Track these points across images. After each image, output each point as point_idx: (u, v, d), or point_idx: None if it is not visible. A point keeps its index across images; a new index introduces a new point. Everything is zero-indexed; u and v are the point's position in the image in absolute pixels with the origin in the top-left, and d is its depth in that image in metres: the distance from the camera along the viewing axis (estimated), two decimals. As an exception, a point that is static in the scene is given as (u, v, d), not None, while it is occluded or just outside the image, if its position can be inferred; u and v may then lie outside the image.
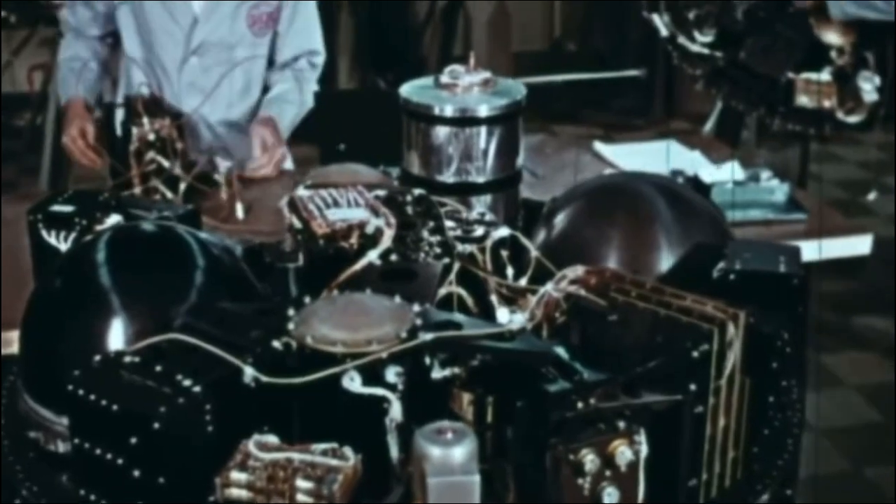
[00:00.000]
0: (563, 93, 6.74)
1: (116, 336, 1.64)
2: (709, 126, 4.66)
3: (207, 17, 3.31)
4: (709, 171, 3.14)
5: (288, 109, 3.40)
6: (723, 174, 3.16)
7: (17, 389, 1.75)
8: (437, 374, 1.56)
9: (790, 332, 1.66)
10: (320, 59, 3.49)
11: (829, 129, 4.19)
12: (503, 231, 1.83)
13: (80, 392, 1.48)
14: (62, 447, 1.66)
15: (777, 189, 3.11)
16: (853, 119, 4.11)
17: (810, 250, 3.03)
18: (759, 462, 1.65)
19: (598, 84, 6.84)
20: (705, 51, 4.17)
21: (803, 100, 4.08)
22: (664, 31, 4.21)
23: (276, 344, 1.52)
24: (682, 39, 4.18)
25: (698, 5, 4.10)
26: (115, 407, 1.46)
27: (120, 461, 1.46)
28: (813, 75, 4.08)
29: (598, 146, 3.40)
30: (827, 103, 4.08)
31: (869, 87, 4.04)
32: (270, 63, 3.46)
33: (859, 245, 3.12)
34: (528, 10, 7.03)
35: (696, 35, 4.15)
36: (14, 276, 2.62)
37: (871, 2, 3.86)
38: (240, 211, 3.02)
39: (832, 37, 4.06)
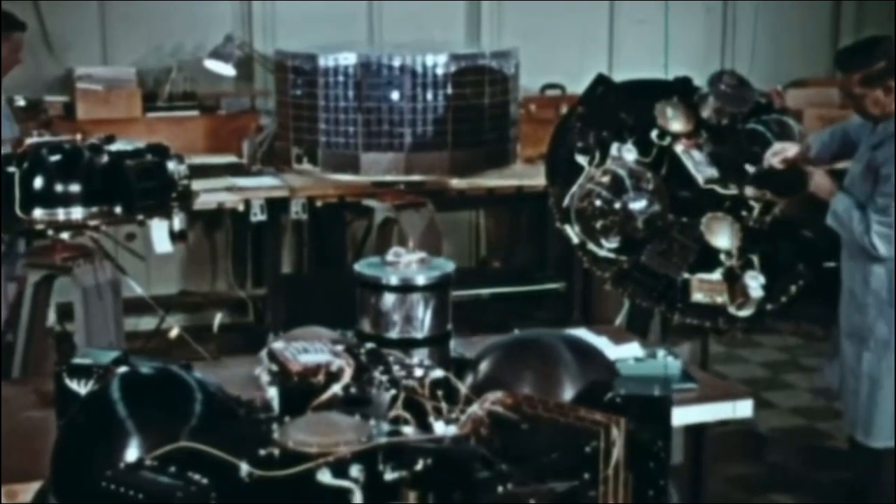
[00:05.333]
0: (490, 306, 7.28)
1: (133, 453, 2.07)
2: (618, 322, 5.16)
3: None
4: (613, 351, 3.64)
5: None
6: (624, 352, 3.67)
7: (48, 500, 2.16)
8: (389, 475, 2.00)
9: (663, 440, 2.13)
10: None
11: (723, 322, 4.71)
12: (438, 372, 2.30)
13: (112, 487, 1.91)
14: (88, 544, 2.05)
15: (671, 364, 3.62)
16: (743, 313, 4.63)
17: (700, 413, 3.53)
18: (644, 544, 2.09)
19: (522, 297, 7.38)
20: (611, 255, 4.66)
21: (698, 296, 4.59)
22: (575, 240, 4.73)
23: (265, 447, 1.97)
24: (590, 246, 4.68)
25: (604, 216, 4.65)
26: (140, 496, 1.88)
27: (143, 541, 1.88)
28: (706, 275, 4.60)
29: (517, 332, 3.89)
30: (719, 299, 4.60)
31: (755, 284, 4.56)
32: None
33: (742, 409, 3.61)
34: (457, 231, 7.64)
35: (603, 242, 4.66)
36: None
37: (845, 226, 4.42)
38: None
39: (720, 242, 4.63)
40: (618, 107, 4.89)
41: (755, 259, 4.63)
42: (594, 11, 8.02)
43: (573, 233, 4.73)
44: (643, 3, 7.70)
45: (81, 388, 2.30)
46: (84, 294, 5.11)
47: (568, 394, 2.29)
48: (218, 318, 6.00)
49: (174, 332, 5.14)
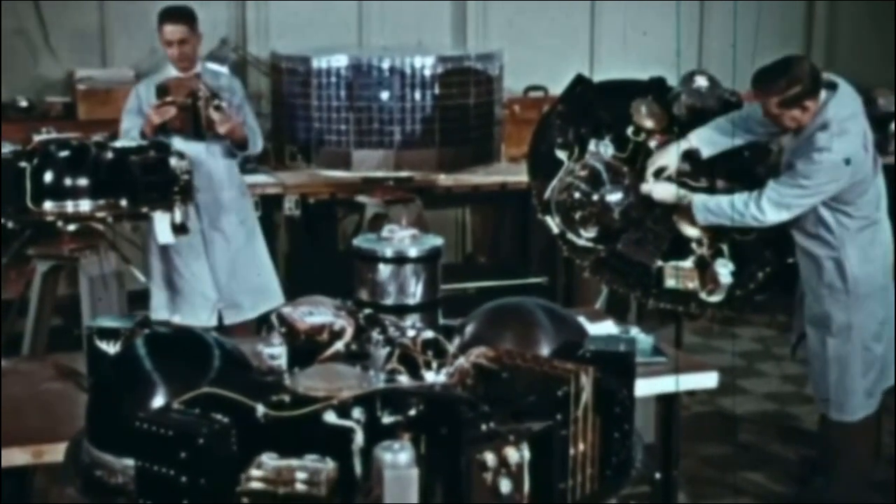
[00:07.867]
0: (476, 300, 7.52)
1: (159, 401, 2.34)
2: (598, 305, 5.45)
3: None
4: (589, 328, 3.91)
5: None
6: (600, 329, 3.94)
7: (82, 447, 2.43)
8: (387, 419, 2.28)
9: (627, 390, 2.42)
10: None
11: (695, 307, 4.99)
12: (429, 333, 2.57)
13: (145, 426, 2.18)
14: (120, 479, 2.33)
15: (643, 340, 3.90)
16: (714, 298, 4.91)
17: (668, 383, 3.82)
18: (610, 480, 2.38)
19: (507, 291, 7.63)
20: (589, 245, 4.95)
21: (671, 283, 4.87)
22: (555, 230, 5.00)
23: (277, 394, 2.24)
24: (570, 235, 4.96)
25: (582, 208, 4.93)
26: (170, 433, 2.16)
27: (172, 472, 2.15)
28: (678, 262, 4.88)
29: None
30: (691, 285, 4.88)
31: (725, 271, 4.84)
32: None
33: (707, 380, 3.91)
34: (443, 228, 7.88)
35: (582, 232, 4.94)
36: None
37: (723, 213, 4.69)
38: None
39: (692, 231, 4.90)
40: (596, 105, 5.17)
41: (724, 247, 4.91)
42: (576, 16, 8.31)
43: (553, 223, 5.01)
44: (623, 6, 8.01)
45: (110, 348, 2.57)
46: (90, 284, 5.37)
47: (544, 352, 2.57)
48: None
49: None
